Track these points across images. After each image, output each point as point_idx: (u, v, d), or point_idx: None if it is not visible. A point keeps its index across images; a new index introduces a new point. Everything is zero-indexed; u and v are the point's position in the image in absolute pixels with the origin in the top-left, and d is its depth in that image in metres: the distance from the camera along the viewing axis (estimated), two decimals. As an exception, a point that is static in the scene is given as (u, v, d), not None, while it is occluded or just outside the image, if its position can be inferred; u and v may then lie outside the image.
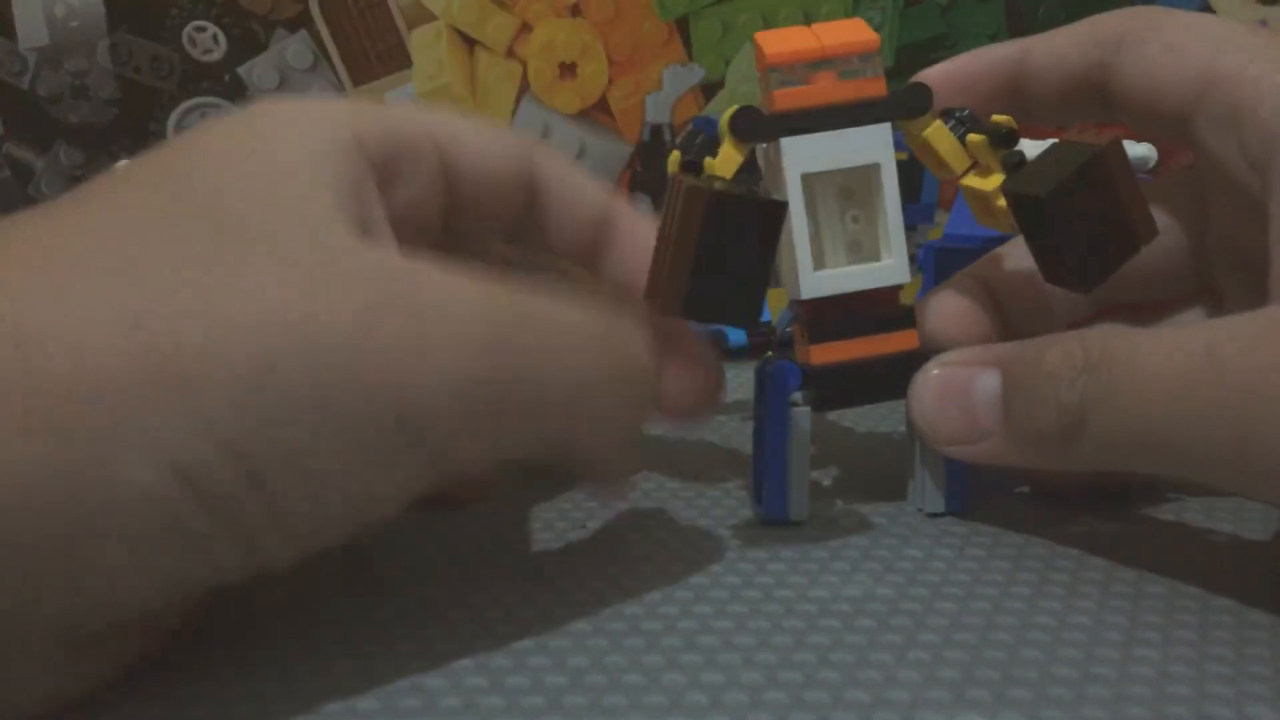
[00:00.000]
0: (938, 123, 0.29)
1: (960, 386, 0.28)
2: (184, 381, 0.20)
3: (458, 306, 0.23)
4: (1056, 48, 0.31)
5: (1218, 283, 0.31)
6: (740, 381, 0.37)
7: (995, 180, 0.29)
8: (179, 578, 0.21)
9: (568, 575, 0.28)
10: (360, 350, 0.22)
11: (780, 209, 0.27)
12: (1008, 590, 0.27)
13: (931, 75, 0.31)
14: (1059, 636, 0.25)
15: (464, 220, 0.29)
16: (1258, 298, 0.28)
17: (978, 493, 0.31)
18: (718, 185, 0.27)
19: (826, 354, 0.29)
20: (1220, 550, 0.29)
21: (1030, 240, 0.29)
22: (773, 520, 0.30)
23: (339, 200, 0.24)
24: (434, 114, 0.28)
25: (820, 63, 0.29)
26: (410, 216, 0.27)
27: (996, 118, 0.29)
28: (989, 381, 0.28)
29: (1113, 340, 0.26)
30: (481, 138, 0.28)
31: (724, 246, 0.26)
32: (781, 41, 0.29)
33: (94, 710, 0.22)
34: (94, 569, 0.20)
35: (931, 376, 0.29)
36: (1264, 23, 0.58)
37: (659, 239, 0.28)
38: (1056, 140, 0.29)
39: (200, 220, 0.22)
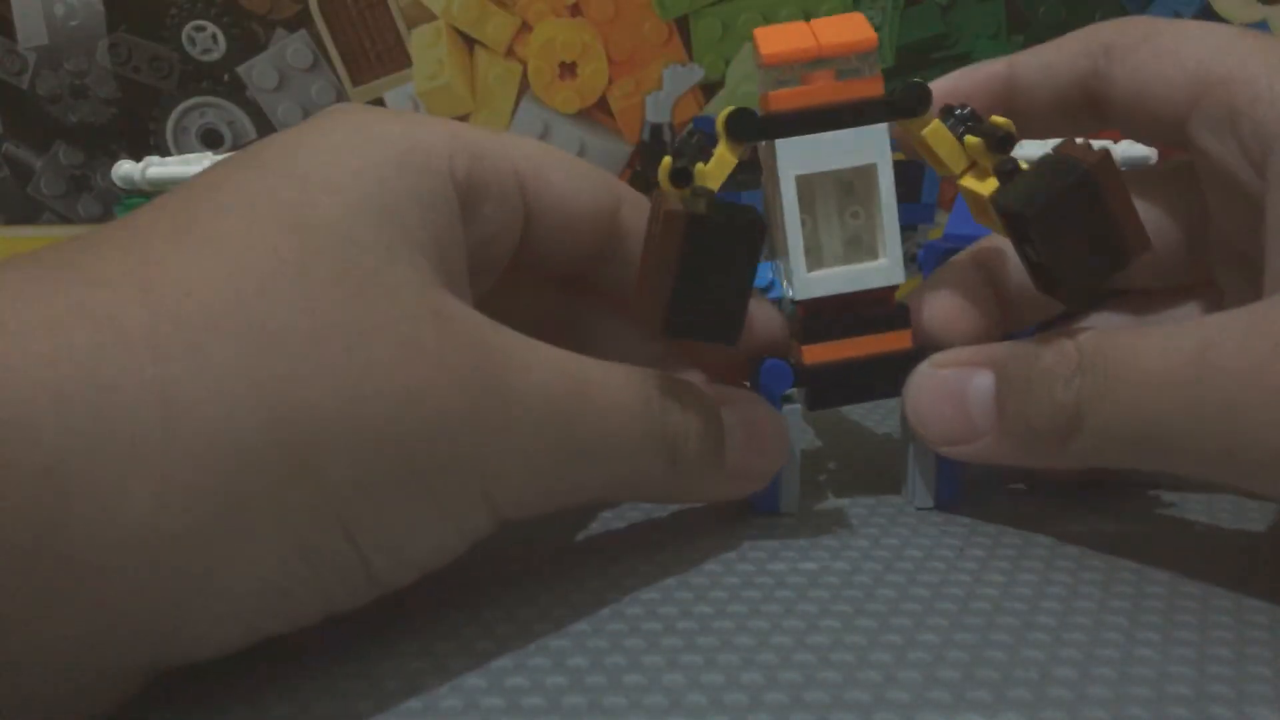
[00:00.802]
0: (936, 123, 0.29)
1: (954, 386, 0.28)
2: (312, 457, 0.21)
3: (536, 391, 0.24)
4: (1046, 61, 0.31)
5: (1217, 276, 0.31)
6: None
7: (991, 184, 0.29)
8: (264, 625, 0.22)
9: (567, 576, 0.28)
10: (461, 428, 0.23)
11: (757, 230, 0.27)
12: (1008, 590, 0.27)
13: None
14: (1059, 636, 0.25)
15: (528, 259, 0.29)
16: (1256, 292, 0.28)
17: (973, 489, 0.32)
18: (699, 204, 0.27)
19: (819, 354, 0.29)
20: (1220, 549, 0.29)
21: (1019, 252, 0.29)
22: (763, 511, 0.31)
23: (438, 253, 0.24)
24: (523, 145, 0.28)
25: (817, 62, 0.28)
26: (482, 253, 0.27)
27: (996, 119, 0.29)
28: (982, 381, 0.28)
29: (1107, 340, 0.26)
30: (570, 179, 0.28)
31: (704, 267, 0.27)
32: (778, 40, 0.28)
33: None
34: (199, 630, 0.21)
35: (925, 377, 0.29)
36: (1264, 22, 0.58)
37: (642, 258, 0.28)
38: (1050, 152, 0.28)
39: (327, 279, 0.22)
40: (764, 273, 0.36)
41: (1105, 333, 0.27)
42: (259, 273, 0.22)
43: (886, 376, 0.30)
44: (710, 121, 0.42)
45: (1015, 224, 0.28)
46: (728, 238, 0.27)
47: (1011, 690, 0.23)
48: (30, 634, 0.19)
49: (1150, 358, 0.25)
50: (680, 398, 0.27)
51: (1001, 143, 0.28)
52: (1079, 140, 0.28)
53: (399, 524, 0.22)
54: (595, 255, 0.29)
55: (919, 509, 0.31)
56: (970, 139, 0.29)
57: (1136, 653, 0.24)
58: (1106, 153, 0.27)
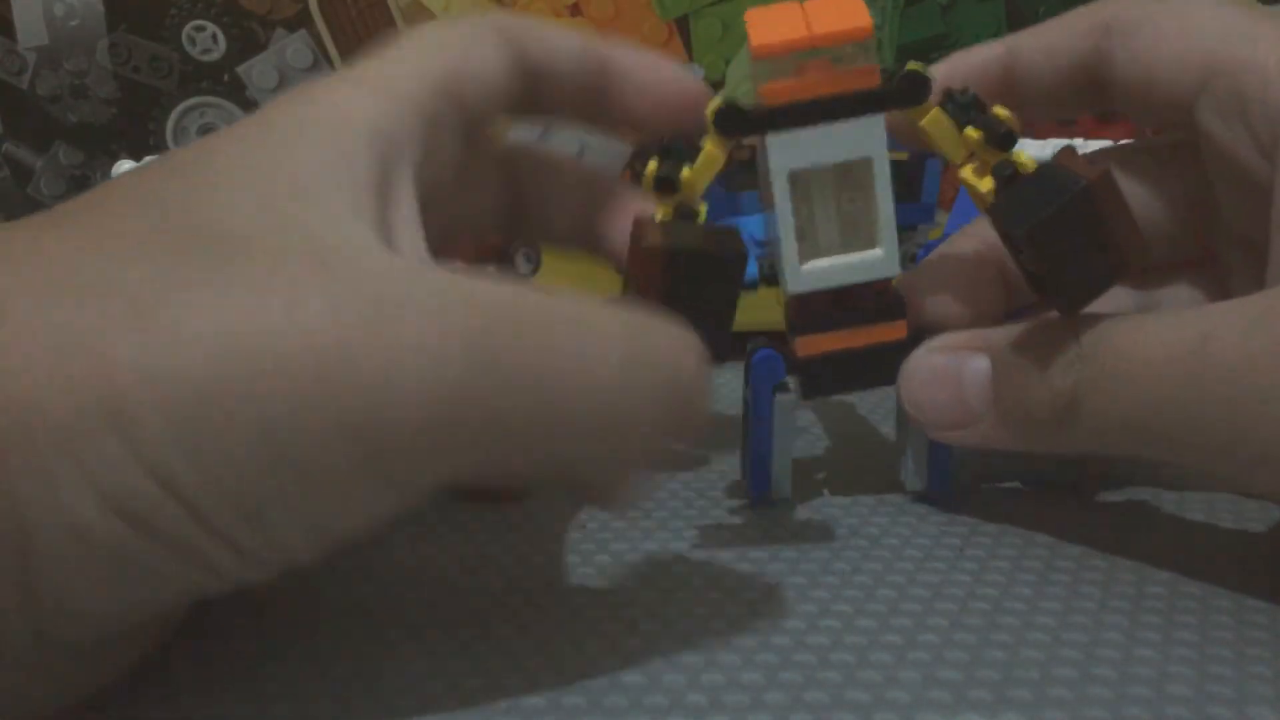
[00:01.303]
0: (936, 111, 0.28)
1: (950, 371, 0.28)
2: (119, 411, 0.19)
3: (431, 304, 0.20)
4: (1047, 40, 0.30)
5: (1222, 254, 0.31)
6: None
7: (989, 182, 0.28)
8: (145, 598, 0.20)
9: (566, 576, 0.28)
10: (321, 377, 0.19)
11: (739, 262, 0.27)
12: (1008, 590, 0.27)
13: None
14: (1059, 636, 0.25)
15: (540, 104, 0.29)
16: (1261, 271, 0.28)
17: (972, 483, 0.32)
18: (679, 231, 0.27)
19: (813, 345, 0.29)
20: (1220, 549, 0.29)
21: (1015, 260, 0.29)
22: (756, 498, 0.31)
23: (354, 203, 0.22)
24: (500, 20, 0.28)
25: (812, 51, 0.27)
26: (483, 110, 0.27)
27: (999, 111, 0.28)
28: (979, 365, 0.28)
29: (1107, 326, 0.26)
30: (545, 26, 0.28)
31: (686, 296, 0.27)
32: (771, 28, 0.27)
33: (92, 711, 0.22)
34: (48, 592, 0.19)
35: (920, 361, 0.29)
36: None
37: (624, 281, 0.28)
38: (1050, 161, 0.28)
39: (180, 242, 0.20)
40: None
41: (1105, 319, 0.26)
42: (96, 239, 0.21)
43: (882, 365, 0.29)
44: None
45: (1008, 239, 0.28)
46: (709, 269, 0.27)
47: (1011, 690, 0.23)
48: None
49: (1150, 346, 0.25)
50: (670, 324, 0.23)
51: (1002, 140, 0.28)
52: (1081, 151, 0.28)
53: (247, 495, 0.19)
54: (599, 91, 0.29)
55: (911, 492, 0.31)
56: (970, 131, 0.28)
57: (1136, 653, 0.24)
58: (1107, 170, 0.26)
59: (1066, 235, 0.26)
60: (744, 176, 0.39)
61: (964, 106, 0.28)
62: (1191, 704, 0.22)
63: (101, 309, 0.19)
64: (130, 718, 0.22)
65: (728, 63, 0.51)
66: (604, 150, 0.59)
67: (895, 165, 0.29)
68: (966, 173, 0.29)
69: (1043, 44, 0.31)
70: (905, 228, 0.46)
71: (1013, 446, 0.28)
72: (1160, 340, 0.25)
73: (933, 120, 0.28)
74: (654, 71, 0.30)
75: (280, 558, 0.20)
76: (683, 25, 0.57)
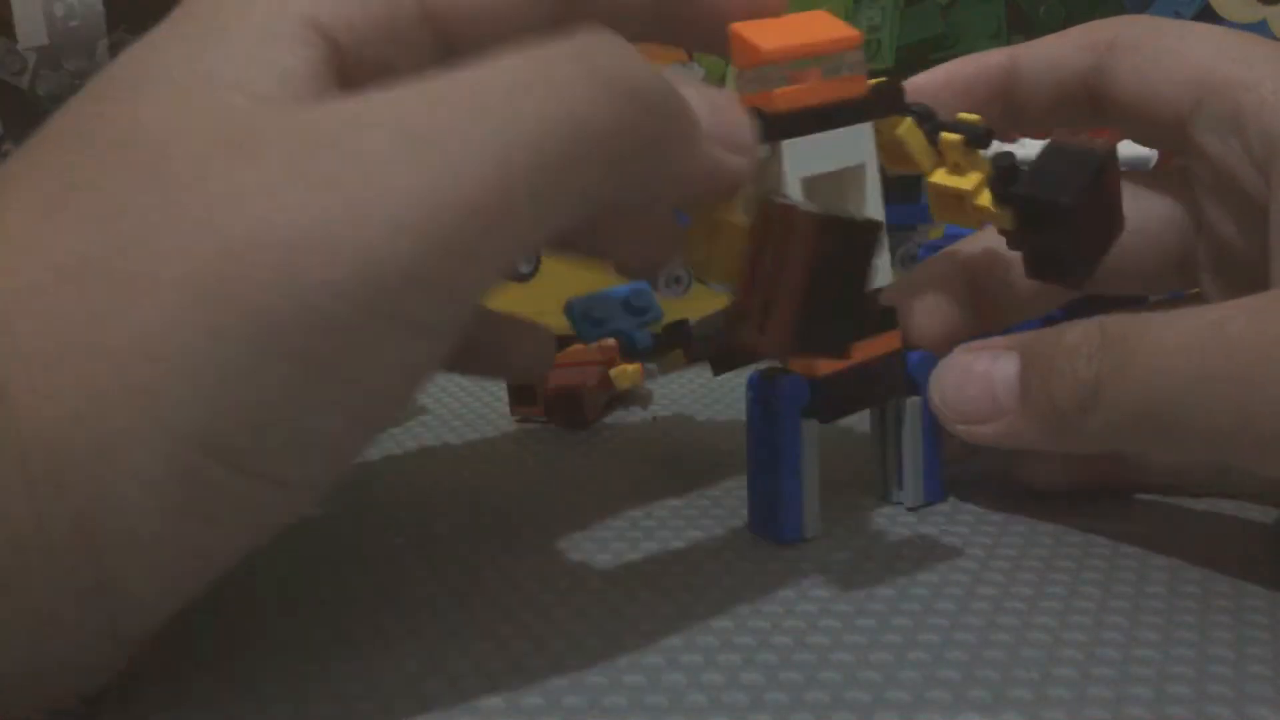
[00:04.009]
0: (909, 121, 0.29)
1: (982, 368, 0.28)
2: (140, 390, 0.19)
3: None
4: (1049, 54, 0.31)
5: (1203, 286, 0.31)
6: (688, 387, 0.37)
7: (973, 179, 0.29)
8: (203, 571, 0.21)
9: (565, 576, 0.28)
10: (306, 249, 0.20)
11: (877, 228, 0.26)
12: (1008, 590, 0.27)
13: (923, 82, 0.31)
14: (1059, 636, 0.25)
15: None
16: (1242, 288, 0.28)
17: (959, 489, 0.32)
18: (803, 206, 0.26)
19: (829, 364, 0.29)
20: (1221, 550, 0.29)
21: (1023, 240, 0.29)
22: (788, 541, 0.29)
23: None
24: None
25: (807, 60, 0.28)
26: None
27: (965, 116, 0.29)
28: (1009, 361, 0.28)
29: (1127, 319, 0.27)
30: None
31: (829, 272, 0.25)
32: (768, 36, 0.27)
33: (90, 713, 0.22)
34: (117, 583, 0.20)
35: (955, 360, 0.29)
36: (1264, 22, 0.58)
37: (749, 265, 0.26)
38: (1049, 141, 0.29)
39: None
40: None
41: (1128, 314, 0.27)
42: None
43: (888, 378, 0.30)
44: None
45: (1036, 213, 0.28)
46: (854, 239, 0.26)
47: (1011, 690, 0.23)
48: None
49: (1166, 334, 0.25)
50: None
51: (983, 138, 0.28)
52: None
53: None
54: None
55: (909, 508, 0.31)
56: (948, 136, 0.29)
57: (1136, 653, 0.24)
58: (1112, 146, 0.27)
59: (1097, 200, 0.28)
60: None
61: (923, 116, 0.29)
62: (1191, 704, 0.22)
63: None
64: (130, 717, 0.22)
65: (728, 63, 0.51)
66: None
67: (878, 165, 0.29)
68: (939, 177, 0.29)
69: (1045, 55, 0.31)
70: (905, 227, 0.46)
71: (1035, 443, 0.28)
72: (1175, 328, 0.25)
73: (908, 129, 0.29)
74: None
75: (324, 470, 0.21)
76: (683, 25, 0.57)
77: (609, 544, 0.30)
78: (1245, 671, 0.23)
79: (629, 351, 0.35)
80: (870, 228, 0.26)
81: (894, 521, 0.31)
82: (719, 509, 0.32)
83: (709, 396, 0.41)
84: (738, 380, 0.31)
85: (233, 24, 0.23)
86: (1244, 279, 0.29)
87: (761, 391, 0.29)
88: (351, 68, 0.23)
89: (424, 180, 0.20)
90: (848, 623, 0.25)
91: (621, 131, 0.22)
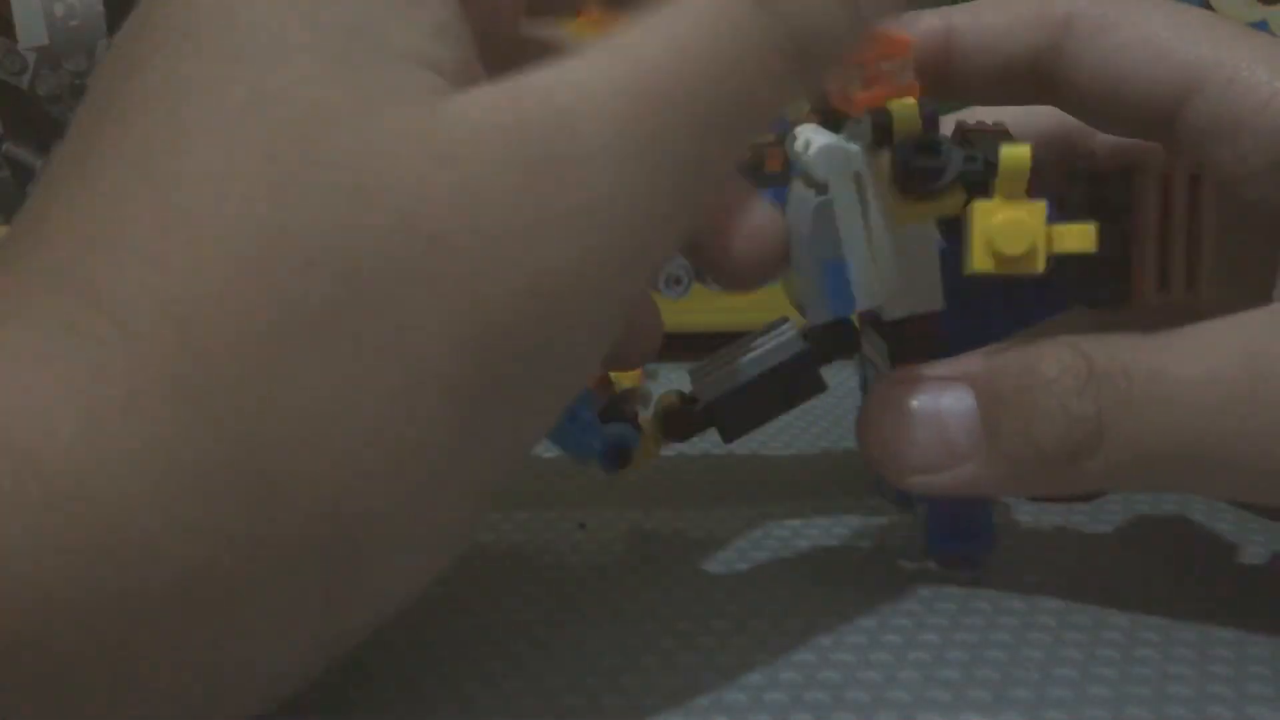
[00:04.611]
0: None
1: (926, 407, 0.25)
2: None
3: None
4: (992, 25, 0.28)
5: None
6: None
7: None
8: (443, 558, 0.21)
9: (564, 577, 0.28)
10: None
11: None
12: (1008, 590, 0.27)
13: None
14: (1059, 636, 0.25)
15: None
16: (1241, 295, 0.27)
17: None
18: None
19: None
20: (1221, 550, 0.29)
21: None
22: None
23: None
24: None
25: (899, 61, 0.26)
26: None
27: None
28: (959, 396, 0.25)
29: (1123, 343, 0.24)
30: None
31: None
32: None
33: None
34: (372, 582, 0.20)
35: (886, 397, 0.25)
36: (1264, 22, 0.58)
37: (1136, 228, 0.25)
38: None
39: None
40: None
41: (1112, 336, 0.24)
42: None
43: None
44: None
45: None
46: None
47: (1011, 690, 0.23)
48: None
49: (1186, 366, 0.23)
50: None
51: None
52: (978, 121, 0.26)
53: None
54: None
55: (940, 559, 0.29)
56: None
57: (1136, 653, 0.24)
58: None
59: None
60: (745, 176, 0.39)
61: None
62: (1191, 704, 0.22)
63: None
64: None
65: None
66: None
67: None
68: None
69: (988, 27, 0.28)
70: None
71: (1003, 490, 0.25)
72: (1195, 357, 0.23)
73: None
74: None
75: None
76: (683, 25, 0.57)
77: (608, 544, 0.30)
78: (1245, 672, 0.23)
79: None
80: None
81: (894, 521, 0.31)
82: (719, 509, 0.32)
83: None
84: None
85: None
86: (1237, 275, 0.27)
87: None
88: None
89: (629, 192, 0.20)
90: (848, 623, 0.25)
91: (794, 92, 0.21)
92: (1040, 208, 0.24)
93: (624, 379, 0.37)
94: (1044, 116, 0.30)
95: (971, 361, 0.25)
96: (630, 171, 0.20)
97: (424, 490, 0.19)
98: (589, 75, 0.20)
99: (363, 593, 0.20)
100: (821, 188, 0.26)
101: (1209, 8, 0.58)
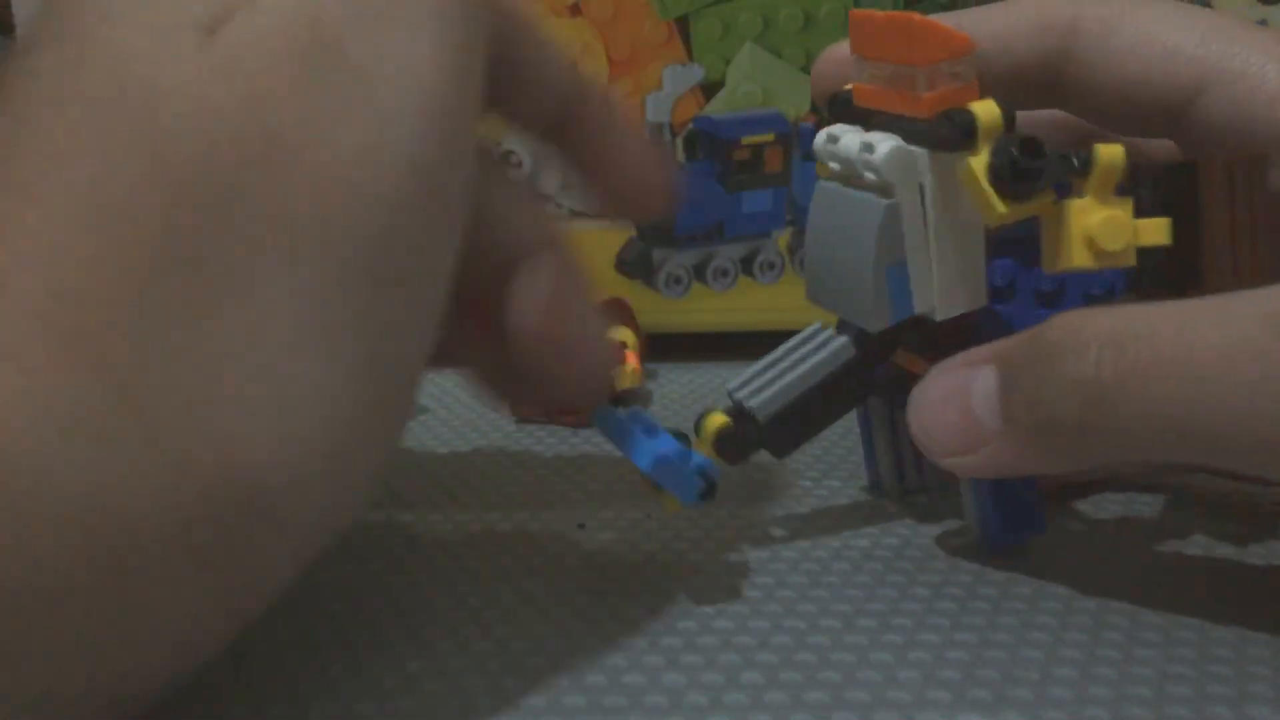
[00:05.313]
0: None
1: (958, 388, 0.25)
2: None
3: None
4: (999, 31, 0.28)
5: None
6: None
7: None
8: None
9: (564, 576, 0.28)
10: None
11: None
12: (1008, 590, 0.27)
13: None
14: (1059, 636, 0.25)
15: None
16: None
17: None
18: None
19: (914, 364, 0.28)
20: (1221, 549, 0.29)
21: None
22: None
23: None
24: None
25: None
26: None
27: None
28: (986, 376, 0.25)
29: (1135, 311, 0.23)
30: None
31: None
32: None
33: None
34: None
35: (930, 383, 0.26)
36: (1264, 22, 0.58)
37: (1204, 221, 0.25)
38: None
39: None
40: None
41: (1125, 306, 0.24)
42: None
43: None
44: (709, 121, 0.42)
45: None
46: None
47: (1011, 690, 0.23)
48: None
49: (1206, 329, 0.22)
50: None
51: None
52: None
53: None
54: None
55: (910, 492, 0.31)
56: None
57: (1136, 653, 0.24)
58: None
59: None
60: (745, 176, 0.39)
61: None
62: (1191, 704, 0.22)
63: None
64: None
65: (727, 63, 0.52)
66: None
67: None
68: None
69: (996, 33, 0.28)
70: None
71: (1026, 467, 0.25)
72: (1217, 322, 0.22)
73: None
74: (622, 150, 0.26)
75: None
76: (683, 25, 0.57)
77: (609, 545, 0.30)
78: (1245, 672, 0.23)
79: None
80: None
81: (894, 521, 0.31)
82: (719, 510, 0.32)
83: (709, 398, 0.41)
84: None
85: None
86: (1250, 270, 0.27)
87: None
88: None
89: None
90: (848, 623, 0.25)
91: None
92: (1129, 204, 0.25)
93: (623, 379, 0.37)
94: (1049, 119, 0.30)
95: (1001, 341, 0.26)
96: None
97: (320, 432, 0.20)
98: None
99: (264, 546, 0.20)
100: (885, 190, 0.26)
101: (1210, 7, 0.58)
